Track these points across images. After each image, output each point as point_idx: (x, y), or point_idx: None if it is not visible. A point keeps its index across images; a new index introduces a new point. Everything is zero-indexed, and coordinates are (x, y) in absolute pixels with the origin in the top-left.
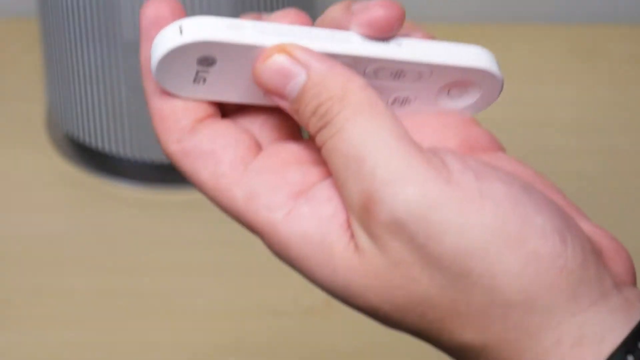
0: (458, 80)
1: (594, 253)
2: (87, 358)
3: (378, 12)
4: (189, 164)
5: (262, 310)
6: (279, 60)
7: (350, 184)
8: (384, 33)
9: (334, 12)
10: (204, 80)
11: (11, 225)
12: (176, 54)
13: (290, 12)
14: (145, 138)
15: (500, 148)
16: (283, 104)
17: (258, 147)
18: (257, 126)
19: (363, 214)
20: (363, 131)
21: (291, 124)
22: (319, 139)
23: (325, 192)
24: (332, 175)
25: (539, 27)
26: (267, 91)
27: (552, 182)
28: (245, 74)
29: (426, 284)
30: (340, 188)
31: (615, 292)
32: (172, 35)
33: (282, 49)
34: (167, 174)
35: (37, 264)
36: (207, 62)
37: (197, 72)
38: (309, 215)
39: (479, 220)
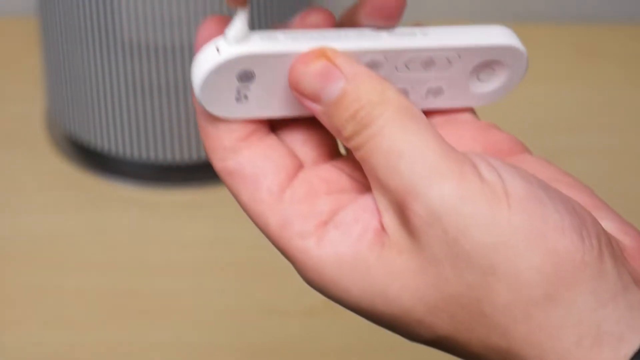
0: (486, 61)
1: (611, 247)
2: (87, 358)
3: None
4: (232, 184)
5: (262, 310)
6: (319, 64)
7: (389, 180)
8: (393, 17)
9: (343, 16)
10: (246, 97)
11: (11, 225)
12: (217, 73)
13: (315, 12)
14: (145, 138)
15: (525, 150)
16: (316, 108)
17: (297, 168)
18: (299, 143)
19: (401, 208)
20: (404, 130)
21: (331, 142)
22: (355, 142)
23: (351, 215)
24: (369, 177)
25: (540, 27)
26: (303, 94)
27: (579, 180)
28: (284, 84)
29: (455, 282)
30: (378, 188)
31: (636, 289)
32: (210, 55)
33: (322, 53)
34: (167, 174)
35: (37, 264)
36: (246, 77)
37: (238, 90)
38: (339, 238)
39: (505, 216)
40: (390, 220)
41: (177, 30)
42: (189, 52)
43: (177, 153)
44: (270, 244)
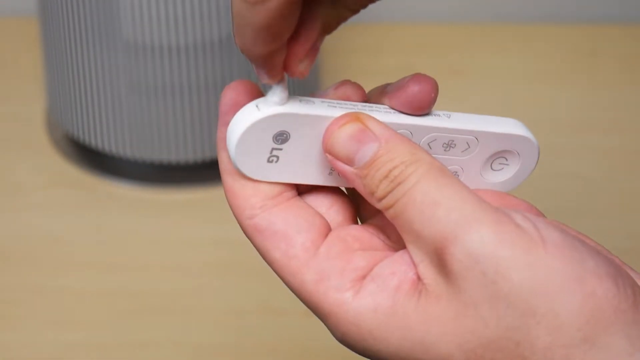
0: (501, 150)
1: None
2: (87, 358)
3: (413, 90)
4: (261, 241)
5: (262, 310)
6: (354, 127)
7: (426, 228)
8: (422, 109)
9: (370, 97)
10: (277, 159)
11: (11, 225)
12: (255, 130)
13: (348, 84)
14: (145, 138)
15: (540, 213)
16: (349, 171)
17: (327, 227)
18: (325, 207)
19: (438, 255)
20: (438, 184)
21: (354, 208)
22: (388, 200)
23: (387, 269)
24: (402, 232)
25: (539, 27)
26: (337, 157)
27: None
28: (316, 150)
29: (494, 325)
30: (412, 241)
31: None
32: (251, 112)
33: (356, 117)
34: (167, 174)
35: (37, 264)
36: (282, 138)
37: (271, 150)
38: (377, 290)
39: (542, 260)
40: (427, 270)
41: (177, 30)
42: (189, 52)
43: (177, 153)
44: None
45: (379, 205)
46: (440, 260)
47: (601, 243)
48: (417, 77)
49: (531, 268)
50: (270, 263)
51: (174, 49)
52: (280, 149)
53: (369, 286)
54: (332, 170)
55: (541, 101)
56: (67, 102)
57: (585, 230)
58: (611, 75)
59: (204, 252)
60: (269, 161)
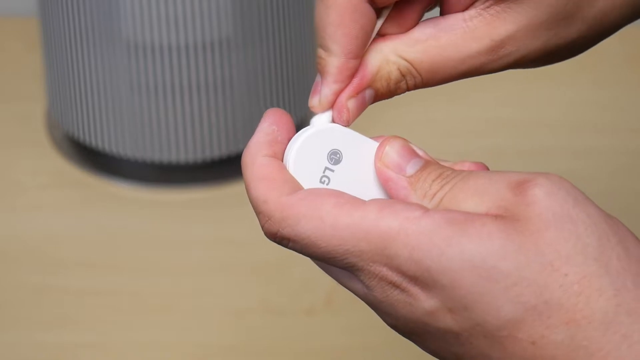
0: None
1: None
2: (87, 358)
3: None
4: (297, 217)
5: (262, 310)
6: (402, 142)
7: (497, 182)
8: None
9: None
10: (329, 180)
11: (11, 225)
12: (313, 142)
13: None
14: (145, 138)
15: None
16: (398, 178)
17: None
18: None
19: (516, 188)
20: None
21: None
22: (443, 190)
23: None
24: (465, 199)
25: None
26: (389, 165)
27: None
28: (364, 176)
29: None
30: (479, 197)
31: None
32: (307, 128)
33: (397, 137)
34: (167, 174)
35: (37, 264)
36: (335, 158)
37: (324, 169)
38: (446, 210)
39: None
40: (501, 206)
41: (177, 30)
42: (189, 52)
43: (177, 153)
44: (268, 244)
45: (430, 204)
46: (517, 194)
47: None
48: None
49: (601, 210)
50: (320, 217)
51: (174, 49)
52: (333, 171)
53: (437, 210)
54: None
55: (541, 101)
56: (67, 102)
57: None
58: (611, 75)
59: (204, 252)
60: (321, 181)
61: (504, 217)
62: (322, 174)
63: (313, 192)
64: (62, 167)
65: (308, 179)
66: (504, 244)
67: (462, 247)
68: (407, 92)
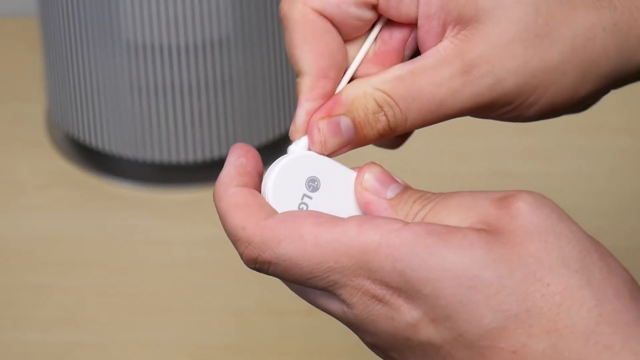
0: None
1: None
2: (87, 358)
3: None
4: (277, 242)
5: (262, 310)
6: (380, 168)
7: (479, 199)
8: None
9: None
10: (307, 207)
11: (11, 225)
12: (290, 168)
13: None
14: (145, 138)
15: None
16: (378, 202)
17: None
18: None
19: (501, 203)
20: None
21: None
22: (423, 212)
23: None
24: (449, 215)
25: None
26: (370, 189)
27: None
28: (343, 202)
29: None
30: (463, 213)
31: None
32: (285, 155)
33: (374, 163)
34: (167, 174)
35: (37, 264)
36: (313, 185)
37: (302, 196)
38: (426, 223)
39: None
40: (484, 221)
41: (177, 30)
42: (189, 52)
43: (177, 153)
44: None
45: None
46: (501, 208)
47: (601, 243)
48: None
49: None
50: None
51: (174, 49)
52: (311, 198)
53: (418, 222)
54: None
55: None
56: (67, 102)
57: (585, 230)
58: None
59: (204, 252)
60: (299, 208)
61: (487, 231)
62: (301, 201)
63: (291, 214)
64: (62, 167)
65: (286, 207)
66: (485, 253)
67: (443, 256)
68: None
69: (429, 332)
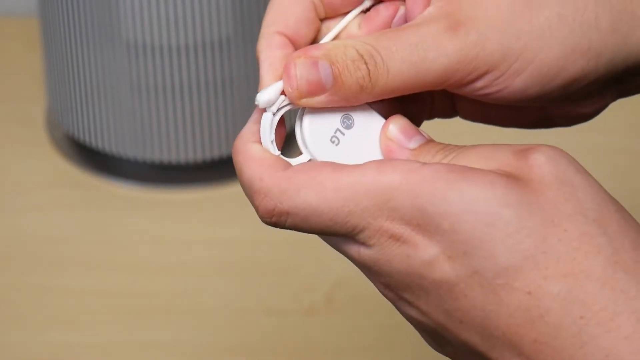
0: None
1: None
2: (87, 358)
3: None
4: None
5: (262, 310)
6: (405, 121)
7: (500, 149)
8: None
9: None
10: (338, 141)
11: (11, 225)
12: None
13: None
14: (145, 138)
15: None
16: (401, 151)
17: None
18: None
19: (520, 155)
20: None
21: None
22: (447, 158)
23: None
24: (470, 164)
25: None
26: (395, 139)
27: None
28: (371, 145)
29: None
30: (484, 161)
31: None
32: None
33: (399, 115)
34: (167, 174)
35: (37, 264)
36: (347, 122)
37: (336, 130)
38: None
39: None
40: (505, 168)
41: (177, 30)
42: (189, 52)
43: (177, 153)
44: (268, 244)
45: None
46: (520, 158)
47: None
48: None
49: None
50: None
51: (174, 49)
52: (343, 134)
53: (439, 162)
54: None
55: None
56: (67, 102)
57: None
58: None
59: (204, 252)
60: (331, 140)
61: (508, 175)
62: (333, 134)
63: (308, 164)
64: (62, 167)
65: (319, 136)
66: (507, 192)
67: (464, 191)
68: None
69: (443, 269)
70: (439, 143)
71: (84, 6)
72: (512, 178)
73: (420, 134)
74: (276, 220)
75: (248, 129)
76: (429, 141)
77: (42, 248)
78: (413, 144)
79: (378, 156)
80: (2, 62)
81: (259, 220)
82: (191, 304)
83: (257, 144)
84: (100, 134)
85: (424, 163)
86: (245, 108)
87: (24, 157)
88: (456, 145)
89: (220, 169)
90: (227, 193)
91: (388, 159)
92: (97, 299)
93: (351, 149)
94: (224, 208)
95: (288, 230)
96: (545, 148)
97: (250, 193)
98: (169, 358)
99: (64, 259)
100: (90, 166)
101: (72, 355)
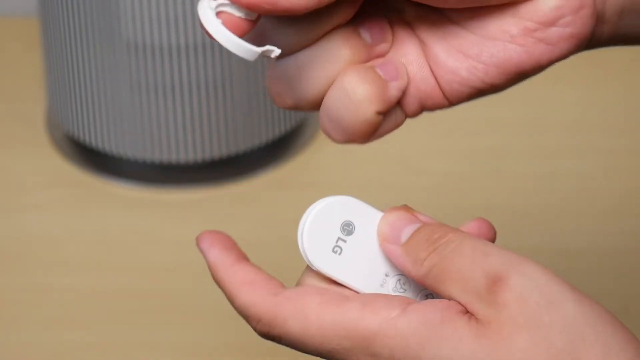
0: None
1: None
2: (87, 358)
3: None
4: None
5: None
6: (397, 213)
7: (477, 271)
8: None
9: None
10: (340, 251)
11: (11, 225)
12: (326, 212)
13: None
14: (145, 138)
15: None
16: (395, 249)
17: None
18: None
19: (490, 288)
20: (481, 241)
21: None
22: (432, 259)
23: (435, 301)
24: (447, 284)
25: None
26: (385, 237)
27: None
28: (375, 246)
29: (546, 347)
30: (459, 288)
31: None
32: (321, 201)
33: (405, 208)
34: (167, 174)
35: (37, 264)
36: (348, 229)
37: (337, 239)
38: (424, 308)
39: (588, 299)
40: (475, 305)
41: (177, 30)
42: (189, 52)
43: (177, 153)
44: (268, 244)
45: (421, 271)
46: (491, 294)
47: (600, 243)
48: None
49: (581, 304)
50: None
51: (174, 49)
52: (345, 241)
53: (415, 305)
54: (384, 283)
55: (541, 101)
56: (67, 102)
57: (584, 230)
58: (612, 75)
59: None
60: (333, 251)
61: (478, 321)
62: (335, 244)
63: (298, 290)
64: (62, 167)
65: (321, 250)
66: (474, 349)
67: (435, 352)
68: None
69: None
70: (425, 232)
71: (84, 6)
72: (481, 326)
73: (412, 221)
74: (272, 339)
75: (215, 255)
76: (418, 230)
77: (42, 248)
78: (404, 236)
79: (380, 259)
80: (2, 62)
81: (259, 220)
82: (191, 304)
83: (238, 266)
84: (100, 134)
85: (402, 309)
86: (245, 108)
87: (24, 157)
88: (441, 236)
89: (220, 169)
90: (227, 193)
91: (372, 298)
92: (97, 299)
93: (354, 256)
94: (224, 208)
95: (288, 231)
96: (517, 279)
97: (244, 317)
98: (169, 358)
99: (64, 259)
100: (90, 166)
101: (72, 355)
